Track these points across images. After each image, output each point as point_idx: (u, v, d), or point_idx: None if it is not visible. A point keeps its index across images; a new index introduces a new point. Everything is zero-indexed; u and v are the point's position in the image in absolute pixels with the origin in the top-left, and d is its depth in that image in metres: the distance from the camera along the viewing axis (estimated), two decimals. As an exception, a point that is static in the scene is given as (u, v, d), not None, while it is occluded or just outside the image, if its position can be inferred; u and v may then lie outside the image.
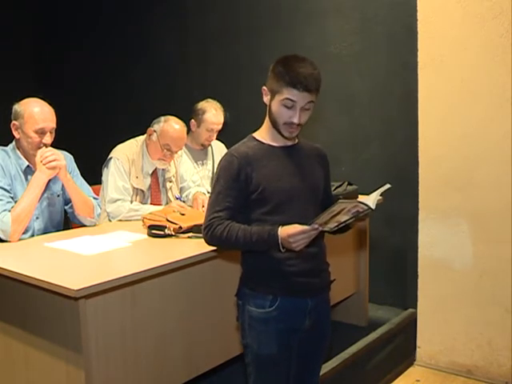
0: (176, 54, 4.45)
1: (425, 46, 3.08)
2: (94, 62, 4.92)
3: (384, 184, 1.73)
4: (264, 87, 1.86)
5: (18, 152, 2.52)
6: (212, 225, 1.80)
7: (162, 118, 2.96)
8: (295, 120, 1.79)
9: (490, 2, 2.85)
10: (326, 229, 1.73)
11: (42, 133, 2.46)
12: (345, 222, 1.71)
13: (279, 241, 1.72)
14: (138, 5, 4.61)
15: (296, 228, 1.70)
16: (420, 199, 3.20)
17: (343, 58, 3.59)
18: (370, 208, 1.63)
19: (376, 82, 3.51)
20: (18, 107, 2.48)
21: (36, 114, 2.44)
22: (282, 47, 3.74)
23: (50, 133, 2.49)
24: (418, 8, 3.07)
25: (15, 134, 2.48)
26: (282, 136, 1.86)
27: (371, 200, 1.64)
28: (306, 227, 1.69)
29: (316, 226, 1.68)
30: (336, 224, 1.72)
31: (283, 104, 1.79)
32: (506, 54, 2.83)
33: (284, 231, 1.72)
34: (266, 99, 1.87)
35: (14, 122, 2.47)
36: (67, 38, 5.11)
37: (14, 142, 2.55)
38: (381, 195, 1.70)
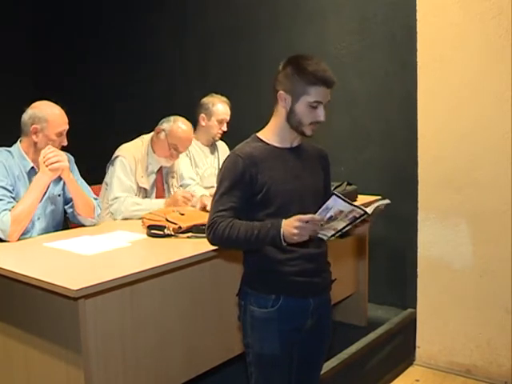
0: (176, 55, 4.46)
1: (424, 46, 3.08)
2: (95, 62, 4.92)
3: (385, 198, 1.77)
4: (281, 92, 1.81)
5: (23, 153, 2.51)
6: (215, 223, 1.78)
7: (172, 118, 2.98)
8: (322, 118, 1.81)
9: (489, 2, 2.85)
10: (322, 237, 1.75)
11: (61, 135, 2.50)
12: (341, 229, 1.72)
13: (282, 228, 1.69)
14: (138, 5, 4.61)
15: (304, 216, 1.68)
16: (420, 199, 3.19)
17: (343, 57, 3.59)
18: (366, 213, 1.65)
19: (375, 82, 3.51)
20: (38, 112, 2.46)
21: (58, 117, 2.49)
22: (281, 47, 3.75)
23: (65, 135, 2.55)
24: (418, 8, 3.07)
25: (33, 137, 2.46)
26: (303, 135, 1.86)
27: (369, 207, 1.67)
28: (314, 216, 1.66)
29: (319, 217, 1.66)
30: (333, 232, 1.73)
31: (310, 105, 1.78)
32: (505, 54, 2.83)
33: (289, 219, 1.70)
34: (283, 104, 1.82)
35: (34, 126, 2.44)
36: (67, 37, 5.12)
37: (18, 143, 2.54)
38: (379, 206, 1.72)
